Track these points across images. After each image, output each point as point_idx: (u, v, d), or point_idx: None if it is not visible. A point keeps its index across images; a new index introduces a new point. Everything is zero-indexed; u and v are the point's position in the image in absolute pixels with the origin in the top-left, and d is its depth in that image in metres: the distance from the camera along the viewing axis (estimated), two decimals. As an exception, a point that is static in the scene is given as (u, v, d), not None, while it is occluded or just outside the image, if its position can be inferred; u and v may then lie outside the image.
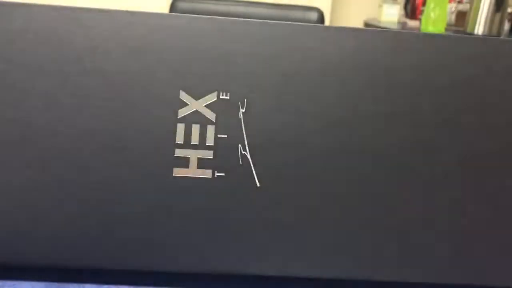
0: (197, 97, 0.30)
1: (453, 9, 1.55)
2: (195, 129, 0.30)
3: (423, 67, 0.30)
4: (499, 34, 1.20)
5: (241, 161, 0.29)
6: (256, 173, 0.29)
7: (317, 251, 0.30)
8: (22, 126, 0.29)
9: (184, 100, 0.30)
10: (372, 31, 0.30)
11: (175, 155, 0.29)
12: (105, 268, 0.29)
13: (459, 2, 1.63)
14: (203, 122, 0.30)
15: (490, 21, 1.19)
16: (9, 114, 0.29)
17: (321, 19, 1.09)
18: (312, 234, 0.30)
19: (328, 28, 0.30)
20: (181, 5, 1.08)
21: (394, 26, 1.60)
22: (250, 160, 0.29)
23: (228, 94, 0.30)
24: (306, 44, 0.30)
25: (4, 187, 0.28)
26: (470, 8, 1.26)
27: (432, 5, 1.31)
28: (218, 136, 0.29)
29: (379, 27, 1.52)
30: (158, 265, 0.29)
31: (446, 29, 1.38)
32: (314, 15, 1.07)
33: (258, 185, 0.29)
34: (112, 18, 0.29)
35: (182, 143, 0.30)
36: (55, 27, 0.29)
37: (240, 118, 0.30)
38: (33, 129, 0.29)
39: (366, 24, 1.64)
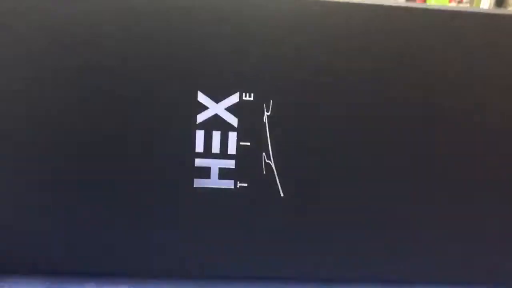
0: (217, 99, 0.27)
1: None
2: (216, 136, 0.27)
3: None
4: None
5: (265, 170, 0.28)
6: (280, 183, 0.28)
7: (343, 261, 0.30)
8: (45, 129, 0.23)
9: (203, 103, 0.27)
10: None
11: (196, 166, 0.27)
12: (122, 275, 0.27)
13: (459, 2, 1.65)
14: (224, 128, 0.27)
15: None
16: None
17: None
18: (337, 244, 0.29)
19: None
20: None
21: None
22: (274, 169, 0.28)
23: (252, 95, 0.27)
24: (337, 41, 0.27)
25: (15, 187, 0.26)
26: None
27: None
28: (241, 143, 0.27)
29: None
30: (177, 275, 0.27)
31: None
32: None
33: (282, 195, 0.28)
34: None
35: (202, 152, 0.27)
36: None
37: (265, 122, 0.27)
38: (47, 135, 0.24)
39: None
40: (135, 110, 0.26)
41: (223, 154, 0.27)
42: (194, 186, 0.27)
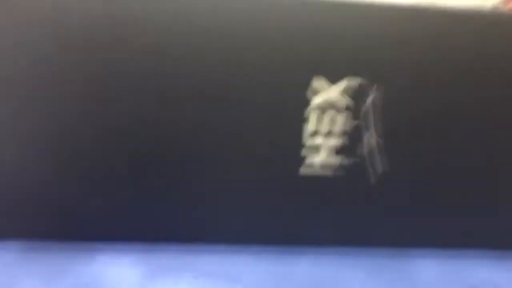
0: (330, 83, 0.29)
1: None
2: (327, 116, 0.30)
3: None
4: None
5: (374, 148, 0.30)
6: (387, 161, 0.30)
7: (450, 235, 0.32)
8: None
9: (317, 87, 0.29)
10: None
11: (307, 144, 0.30)
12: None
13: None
14: (336, 109, 0.29)
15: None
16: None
17: None
18: (447, 220, 0.31)
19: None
20: None
21: None
22: (379, 146, 0.30)
23: (361, 80, 0.29)
24: (437, 29, 0.29)
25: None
26: None
27: None
28: (351, 123, 0.30)
29: None
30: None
31: None
32: None
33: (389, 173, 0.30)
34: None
35: (314, 130, 0.30)
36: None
37: (372, 104, 0.29)
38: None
39: None
40: (255, 93, 0.29)
41: (333, 133, 0.30)
42: (306, 161, 0.30)
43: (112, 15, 0.26)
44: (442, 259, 0.32)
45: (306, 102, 0.29)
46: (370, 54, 0.28)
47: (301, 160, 0.30)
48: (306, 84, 0.28)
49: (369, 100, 0.29)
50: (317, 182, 0.30)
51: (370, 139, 0.29)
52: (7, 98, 0.27)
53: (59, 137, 0.28)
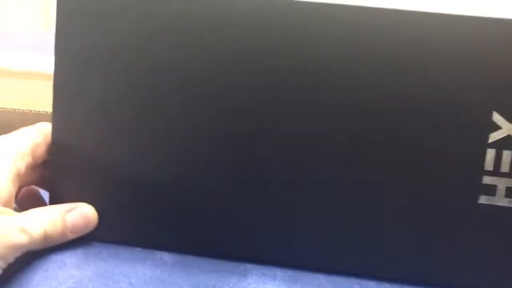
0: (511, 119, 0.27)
1: None
2: (506, 155, 0.27)
3: None
4: None
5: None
6: None
7: None
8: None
9: (497, 123, 0.27)
10: None
11: (483, 183, 0.28)
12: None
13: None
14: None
15: None
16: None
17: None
18: None
19: None
20: None
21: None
22: None
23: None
24: None
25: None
26: None
27: None
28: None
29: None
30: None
31: None
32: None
33: None
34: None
35: (492, 170, 0.28)
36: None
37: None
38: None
39: None
40: (424, 124, 0.28)
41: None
42: (479, 202, 0.28)
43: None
44: None
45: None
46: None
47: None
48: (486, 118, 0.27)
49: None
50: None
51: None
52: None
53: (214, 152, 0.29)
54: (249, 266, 0.30)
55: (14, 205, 0.30)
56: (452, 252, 0.28)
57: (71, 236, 0.29)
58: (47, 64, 0.43)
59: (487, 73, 0.27)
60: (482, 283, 0.28)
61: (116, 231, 0.31)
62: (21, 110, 0.46)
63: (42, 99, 0.44)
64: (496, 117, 0.27)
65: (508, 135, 0.27)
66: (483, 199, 0.28)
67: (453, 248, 0.28)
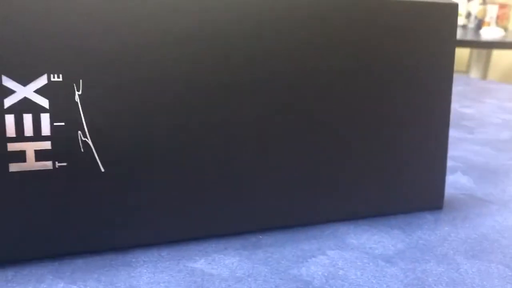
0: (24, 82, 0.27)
1: None
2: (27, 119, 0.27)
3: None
4: None
5: (82, 148, 0.28)
6: (99, 158, 0.28)
7: (175, 227, 0.31)
8: None
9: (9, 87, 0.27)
10: None
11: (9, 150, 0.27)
12: None
13: None
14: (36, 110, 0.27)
15: None
16: None
17: None
18: (163, 211, 0.30)
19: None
20: None
21: None
22: (92, 146, 0.28)
23: (61, 75, 0.27)
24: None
25: None
26: None
27: None
28: (55, 124, 0.27)
29: None
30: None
31: None
32: None
33: (103, 170, 0.28)
34: None
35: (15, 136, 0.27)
36: None
37: (77, 101, 0.27)
38: None
39: None
40: None
41: (38, 136, 0.27)
42: (10, 171, 0.27)
43: None
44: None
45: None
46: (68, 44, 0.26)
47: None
48: None
49: (75, 97, 0.27)
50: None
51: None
52: None
53: None
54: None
55: None
56: None
57: None
58: None
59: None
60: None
61: None
62: None
63: None
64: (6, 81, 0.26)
65: (25, 98, 0.27)
66: (13, 167, 0.27)
67: None
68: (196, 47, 0.28)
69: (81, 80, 0.27)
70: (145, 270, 0.29)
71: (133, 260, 0.30)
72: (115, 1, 0.27)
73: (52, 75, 0.27)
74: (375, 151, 0.34)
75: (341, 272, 0.30)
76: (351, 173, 0.34)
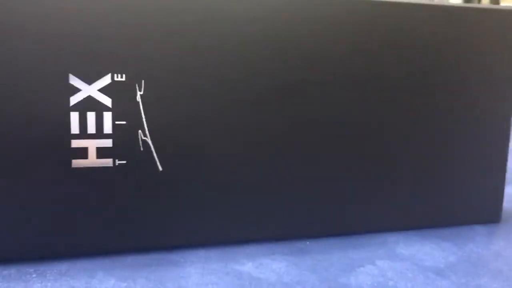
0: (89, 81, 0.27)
1: None
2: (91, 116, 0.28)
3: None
4: None
5: (142, 147, 0.28)
6: (157, 158, 0.29)
7: (226, 230, 0.31)
8: None
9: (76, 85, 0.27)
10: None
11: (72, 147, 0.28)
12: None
13: None
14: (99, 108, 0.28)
15: None
16: None
17: None
18: (218, 213, 0.30)
19: None
20: None
21: None
22: (151, 145, 0.28)
23: (124, 75, 0.28)
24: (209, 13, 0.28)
25: None
26: None
27: None
28: (116, 122, 0.28)
29: None
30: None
31: None
32: None
33: (161, 169, 0.29)
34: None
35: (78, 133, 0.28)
36: None
37: (138, 101, 0.28)
38: None
39: None
40: (10, 97, 0.27)
41: (100, 134, 0.28)
42: (72, 166, 0.28)
43: None
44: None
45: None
46: (132, 46, 0.27)
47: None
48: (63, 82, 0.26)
49: (137, 97, 0.27)
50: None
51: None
52: None
53: None
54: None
55: None
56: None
57: None
58: None
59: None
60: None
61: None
62: None
63: None
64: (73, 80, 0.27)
65: (89, 96, 0.27)
66: (76, 163, 0.28)
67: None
68: (257, 49, 0.29)
69: (143, 81, 0.28)
70: (194, 271, 0.29)
71: (181, 260, 0.30)
72: (178, 3, 0.27)
73: (115, 75, 0.27)
74: (431, 161, 0.33)
75: (390, 283, 0.29)
76: (405, 184, 0.33)
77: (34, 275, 0.27)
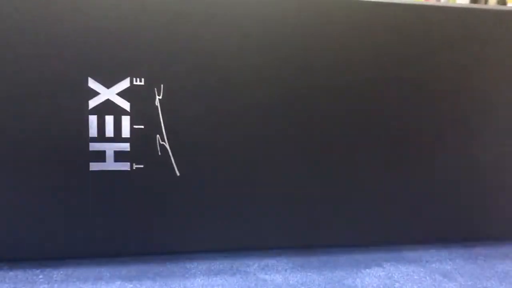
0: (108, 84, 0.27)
1: None
2: (109, 120, 0.28)
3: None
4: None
5: (160, 151, 0.29)
6: (175, 163, 0.29)
7: (240, 236, 0.31)
8: None
9: (94, 89, 0.27)
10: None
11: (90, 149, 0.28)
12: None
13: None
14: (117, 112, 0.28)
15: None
16: None
17: None
18: (235, 219, 0.31)
19: None
20: None
21: None
22: (169, 149, 0.29)
23: (143, 79, 0.28)
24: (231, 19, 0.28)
25: None
26: None
27: None
28: (134, 126, 0.28)
29: None
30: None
31: None
32: None
33: (178, 174, 0.29)
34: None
35: (96, 136, 0.28)
36: None
37: (157, 105, 0.28)
38: None
39: None
40: (29, 99, 0.27)
41: (118, 137, 0.28)
42: (90, 169, 0.28)
43: None
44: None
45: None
46: (151, 49, 0.27)
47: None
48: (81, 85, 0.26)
49: (155, 101, 0.27)
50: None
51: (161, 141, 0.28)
52: None
53: None
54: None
55: None
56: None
57: None
58: None
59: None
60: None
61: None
62: None
63: None
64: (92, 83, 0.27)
65: (108, 100, 0.27)
66: (93, 166, 0.28)
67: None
68: (276, 53, 0.29)
69: (162, 85, 0.28)
70: (199, 272, 0.29)
71: (187, 261, 0.30)
72: (197, 9, 0.27)
73: (134, 79, 0.27)
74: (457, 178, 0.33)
75: (397, 285, 0.30)
76: (432, 200, 0.33)
77: (40, 276, 0.27)
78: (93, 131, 0.27)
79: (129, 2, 0.26)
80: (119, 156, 0.28)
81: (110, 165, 0.28)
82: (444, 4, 0.32)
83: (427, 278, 0.31)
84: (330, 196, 0.31)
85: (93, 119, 0.27)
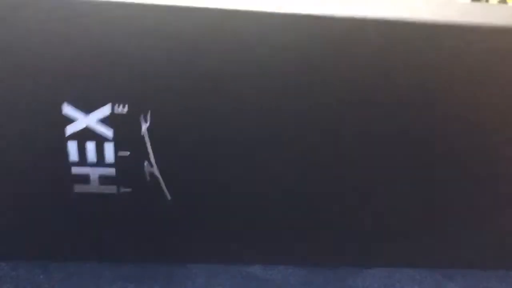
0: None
1: None
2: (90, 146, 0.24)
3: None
4: None
5: (148, 176, 0.26)
6: (165, 187, 0.26)
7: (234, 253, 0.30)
8: None
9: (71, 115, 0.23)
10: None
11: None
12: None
13: None
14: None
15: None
16: None
17: None
18: (226, 238, 0.29)
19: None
20: None
21: None
22: (158, 175, 0.26)
23: (126, 106, 0.23)
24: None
25: None
26: None
27: None
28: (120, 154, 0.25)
29: None
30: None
31: None
32: None
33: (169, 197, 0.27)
34: None
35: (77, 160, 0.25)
36: None
37: (144, 132, 0.24)
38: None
39: None
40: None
41: (101, 163, 0.25)
42: (75, 191, 0.26)
43: None
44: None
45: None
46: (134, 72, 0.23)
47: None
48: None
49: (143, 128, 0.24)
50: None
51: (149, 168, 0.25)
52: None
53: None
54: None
55: None
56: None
57: None
58: None
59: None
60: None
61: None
62: None
63: None
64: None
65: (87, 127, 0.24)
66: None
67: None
68: (270, 81, 0.24)
69: (149, 111, 0.23)
70: (200, 273, 0.29)
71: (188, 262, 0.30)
72: (184, 34, 0.22)
73: (117, 105, 0.23)
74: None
75: (398, 285, 0.30)
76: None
77: (41, 276, 0.28)
78: (73, 156, 0.25)
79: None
80: (105, 180, 0.25)
81: (95, 187, 0.25)
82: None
83: (428, 278, 0.30)
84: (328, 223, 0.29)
85: (72, 145, 0.24)
